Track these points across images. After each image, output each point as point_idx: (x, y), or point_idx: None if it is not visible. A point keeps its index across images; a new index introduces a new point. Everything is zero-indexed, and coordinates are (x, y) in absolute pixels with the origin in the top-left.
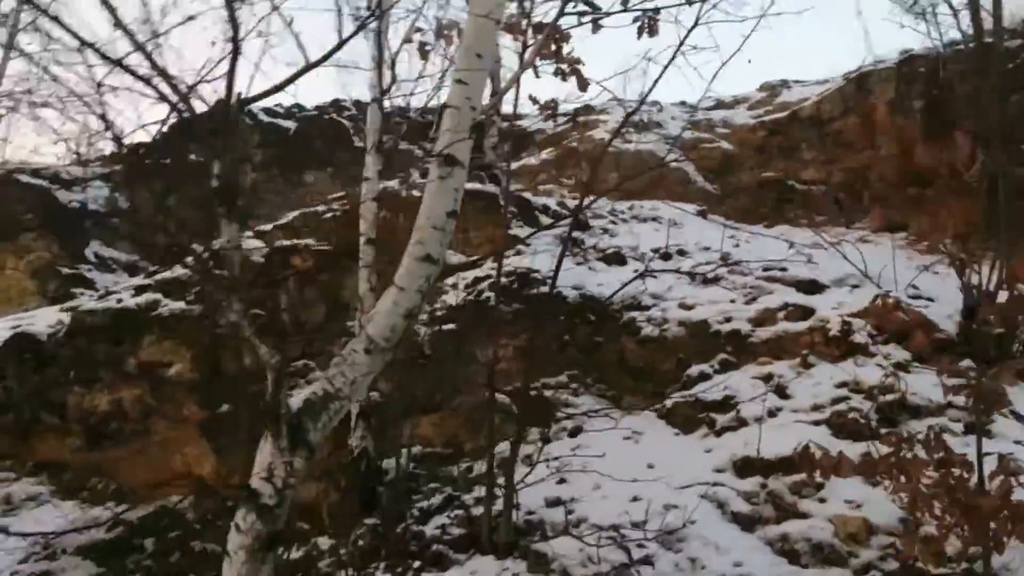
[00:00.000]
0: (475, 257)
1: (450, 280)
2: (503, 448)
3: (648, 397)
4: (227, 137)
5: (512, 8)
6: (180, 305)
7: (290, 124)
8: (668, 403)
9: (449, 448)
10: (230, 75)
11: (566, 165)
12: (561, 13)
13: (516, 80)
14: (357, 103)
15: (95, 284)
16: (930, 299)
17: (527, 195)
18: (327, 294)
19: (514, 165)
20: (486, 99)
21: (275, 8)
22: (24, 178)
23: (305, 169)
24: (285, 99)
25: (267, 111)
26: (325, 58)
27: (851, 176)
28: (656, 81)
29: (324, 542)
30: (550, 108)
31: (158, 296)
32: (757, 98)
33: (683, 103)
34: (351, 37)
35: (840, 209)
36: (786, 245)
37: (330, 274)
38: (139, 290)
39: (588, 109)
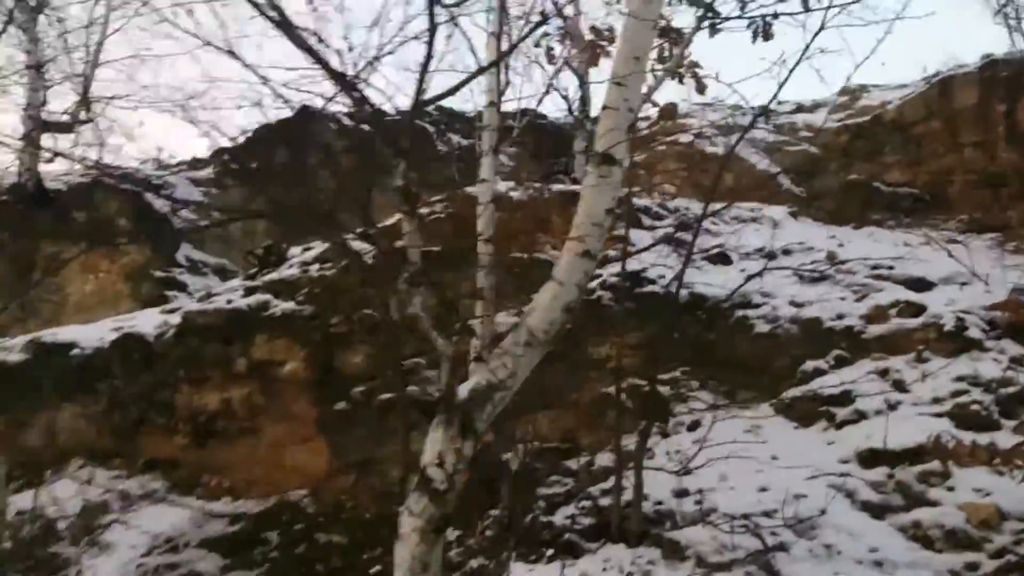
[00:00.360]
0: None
1: None
2: (626, 442)
3: (763, 393)
4: (412, 138)
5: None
6: (291, 305)
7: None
8: (785, 397)
9: (566, 443)
10: (421, 75)
11: (654, 167)
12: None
13: (661, 83)
14: (440, 107)
15: (187, 287)
16: None
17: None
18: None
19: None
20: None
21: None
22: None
23: (390, 172)
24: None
25: (350, 115)
26: (495, 63)
27: (935, 179)
28: (783, 84)
29: (449, 533)
30: (669, 112)
31: (267, 297)
32: (838, 102)
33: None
34: (520, 41)
35: (926, 211)
36: (886, 245)
37: (438, 275)
38: (248, 291)
39: (672, 112)
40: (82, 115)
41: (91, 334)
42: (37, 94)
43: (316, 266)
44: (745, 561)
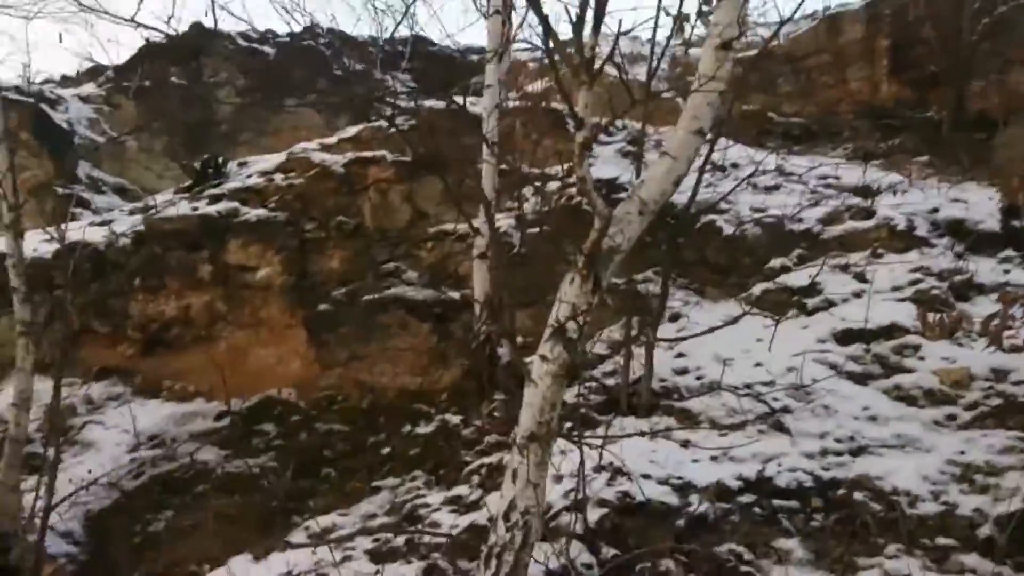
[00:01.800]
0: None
1: (526, 189)
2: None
3: (732, 289)
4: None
5: None
6: (262, 212)
7: (268, 50)
8: (755, 291)
9: None
10: None
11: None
12: None
13: None
14: (332, 31)
15: (91, 204)
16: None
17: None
18: (408, 202)
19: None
20: None
21: None
22: (13, 95)
23: (285, 96)
24: (259, 24)
25: (243, 36)
26: None
27: (824, 110)
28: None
29: (451, 418)
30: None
31: (235, 204)
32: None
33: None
34: None
35: (814, 140)
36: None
37: (409, 184)
38: (214, 199)
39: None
40: None
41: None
42: None
43: (279, 176)
44: (755, 421)
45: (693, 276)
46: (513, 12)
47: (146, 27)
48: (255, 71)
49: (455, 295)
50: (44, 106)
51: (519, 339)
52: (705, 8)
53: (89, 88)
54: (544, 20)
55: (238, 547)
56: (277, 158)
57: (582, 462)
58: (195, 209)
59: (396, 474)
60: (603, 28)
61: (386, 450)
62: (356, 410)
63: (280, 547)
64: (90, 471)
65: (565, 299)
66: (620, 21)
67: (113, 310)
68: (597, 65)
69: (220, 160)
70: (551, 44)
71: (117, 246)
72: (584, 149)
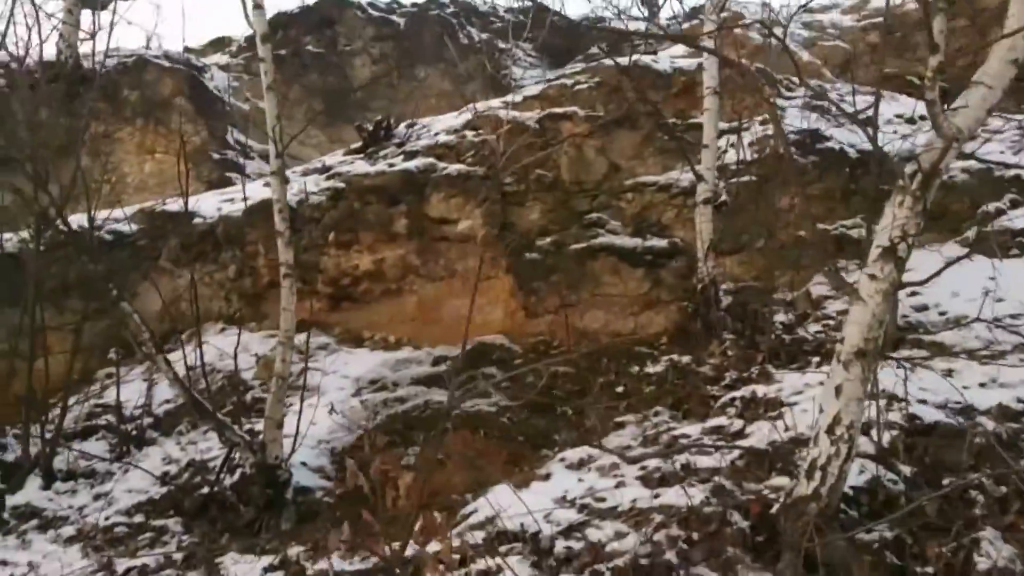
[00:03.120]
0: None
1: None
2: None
3: (945, 233)
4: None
5: None
6: (460, 166)
7: (396, 20)
8: (969, 234)
9: (759, 282)
10: None
11: None
12: None
13: None
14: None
15: (245, 169)
16: None
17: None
18: (603, 155)
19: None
20: None
21: None
22: (166, 63)
23: (417, 64)
24: None
25: (372, 5)
26: None
27: (960, 72)
28: None
29: (678, 358)
30: None
31: (431, 160)
32: (849, 3)
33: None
34: None
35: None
36: None
37: (602, 139)
38: (408, 155)
39: None
40: None
41: (203, 205)
42: None
43: (470, 133)
44: (1014, 351)
45: None
46: None
47: None
48: (388, 39)
49: (661, 242)
50: (195, 73)
51: (731, 284)
52: None
53: (224, 58)
54: None
55: (492, 479)
56: (460, 117)
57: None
58: (392, 166)
59: (635, 411)
60: None
61: (619, 388)
62: (576, 354)
63: (542, 476)
64: (331, 409)
65: (893, 220)
66: None
67: (305, 265)
68: None
69: (391, 121)
70: None
71: (310, 203)
72: (937, 73)
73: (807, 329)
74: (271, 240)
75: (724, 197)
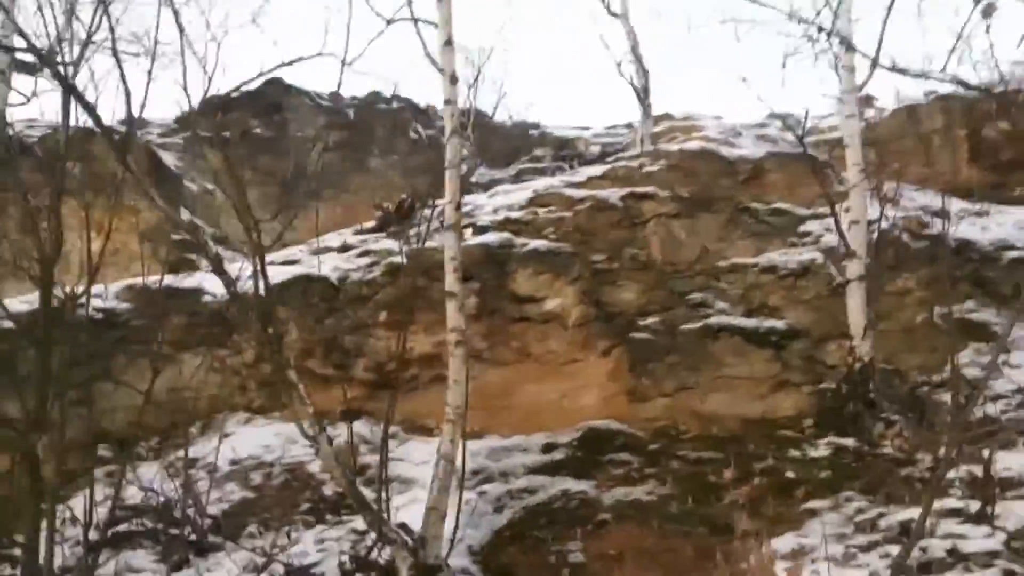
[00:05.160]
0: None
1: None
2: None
3: None
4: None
5: None
6: (544, 242)
7: (347, 110)
8: None
9: (890, 365)
10: None
11: None
12: None
13: None
14: (397, 97)
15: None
16: None
17: None
18: (694, 235)
19: None
20: None
21: None
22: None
23: (368, 154)
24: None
25: (320, 96)
26: None
27: None
28: None
29: (841, 440)
30: None
31: (506, 235)
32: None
33: None
34: None
35: None
36: None
37: (689, 220)
38: (479, 230)
39: None
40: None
41: (208, 282)
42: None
43: (544, 210)
44: None
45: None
46: None
47: None
48: (342, 128)
49: (779, 323)
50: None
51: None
52: None
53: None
54: None
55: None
56: (522, 194)
57: None
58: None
59: (820, 496)
60: None
61: (789, 474)
62: (712, 438)
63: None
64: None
65: None
66: None
67: (343, 348)
68: None
69: (413, 201)
70: None
71: (357, 279)
72: None
73: (984, 408)
74: (304, 318)
75: (840, 279)
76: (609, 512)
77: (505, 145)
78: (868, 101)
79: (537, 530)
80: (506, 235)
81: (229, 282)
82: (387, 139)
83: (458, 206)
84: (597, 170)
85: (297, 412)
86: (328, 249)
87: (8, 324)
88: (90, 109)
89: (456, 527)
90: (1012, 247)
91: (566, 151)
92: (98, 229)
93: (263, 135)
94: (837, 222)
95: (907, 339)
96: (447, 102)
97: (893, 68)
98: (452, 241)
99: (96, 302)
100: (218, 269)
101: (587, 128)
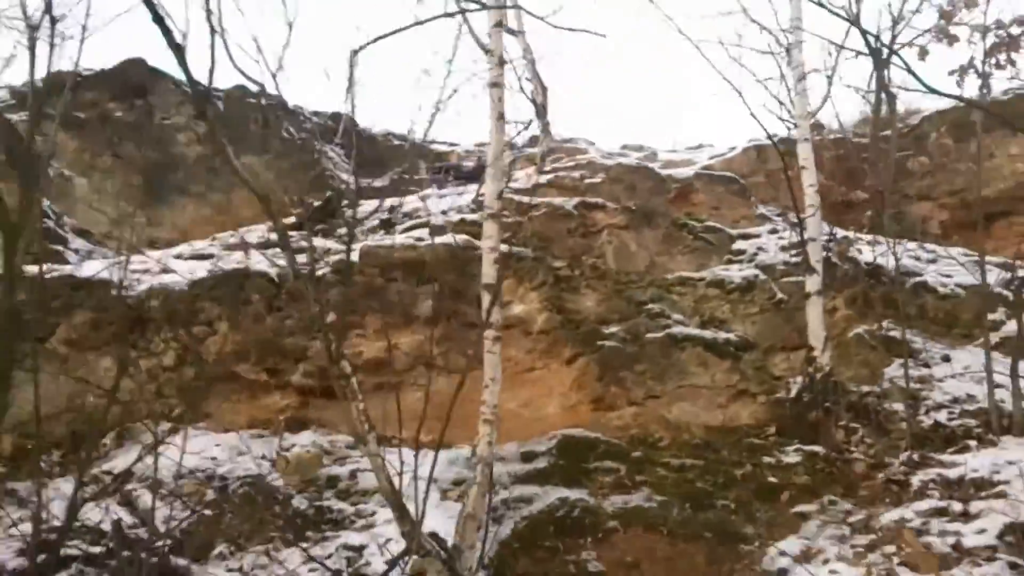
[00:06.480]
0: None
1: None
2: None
3: (958, 339)
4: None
5: None
6: (504, 246)
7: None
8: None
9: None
10: None
11: None
12: None
13: None
14: (265, 93)
15: (68, 242)
16: None
17: None
18: (642, 248)
19: None
20: None
21: None
22: None
23: (241, 151)
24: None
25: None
26: None
27: None
28: None
29: (811, 448)
30: None
31: (464, 237)
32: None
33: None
34: None
35: None
36: None
37: (637, 232)
38: (434, 230)
39: None
40: None
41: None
42: None
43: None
44: None
45: (919, 327)
46: None
47: None
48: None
49: (732, 335)
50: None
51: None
52: None
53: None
54: None
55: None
56: (467, 196)
57: None
58: (419, 240)
59: (804, 501)
60: None
61: (771, 479)
62: (688, 445)
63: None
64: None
65: None
66: None
67: (283, 351)
68: None
69: (337, 199)
70: None
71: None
72: None
73: (932, 416)
74: (237, 316)
75: (780, 295)
76: (614, 520)
77: (375, 154)
78: None
79: (546, 539)
80: (463, 237)
81: None
82: (261, 136)
83: (500, 194)
84: (543, 178)
85: (352, 411)
86: (247, 244)
87: None
88: None
89: (485, 537)
90: (914, 273)
91: (442, 163)
92: None
93: (124, 119)
94: (803, 238)
95: (841, 353)
96: (494, 85)
97: None
98: (493, 231)
99: None
100: None
101: (456, 144)
